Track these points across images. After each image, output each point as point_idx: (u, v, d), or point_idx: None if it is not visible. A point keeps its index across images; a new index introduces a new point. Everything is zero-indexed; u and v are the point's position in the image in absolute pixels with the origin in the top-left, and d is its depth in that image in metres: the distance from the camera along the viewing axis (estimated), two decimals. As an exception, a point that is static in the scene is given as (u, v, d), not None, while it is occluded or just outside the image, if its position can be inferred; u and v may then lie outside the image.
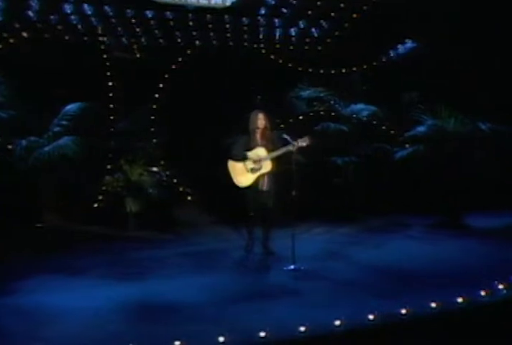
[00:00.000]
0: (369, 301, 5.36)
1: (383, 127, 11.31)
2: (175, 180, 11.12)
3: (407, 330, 4.88)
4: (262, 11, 10.43)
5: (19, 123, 8.73)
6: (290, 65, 11.84)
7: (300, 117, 11.36)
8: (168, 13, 10.28)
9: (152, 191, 9.87)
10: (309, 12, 10.54)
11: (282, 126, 10.46)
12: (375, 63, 11.83)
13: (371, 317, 4.81)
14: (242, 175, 7.51)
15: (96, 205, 10.10)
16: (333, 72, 11.83)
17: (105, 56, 10.82)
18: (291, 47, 11.82)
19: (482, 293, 5.39)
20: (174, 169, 11.07)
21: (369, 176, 10.55)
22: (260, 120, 7.52)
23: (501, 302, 5.37)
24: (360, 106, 10.77)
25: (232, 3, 10.04)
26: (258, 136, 7.56)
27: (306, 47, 11.79)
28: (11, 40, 10.10)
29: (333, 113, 11.04)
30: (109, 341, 4.51)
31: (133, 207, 9.71)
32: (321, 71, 11.81)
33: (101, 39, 10.80)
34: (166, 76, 11.46)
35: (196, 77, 11.08)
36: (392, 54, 11.88)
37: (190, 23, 10.62)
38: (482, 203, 9.54)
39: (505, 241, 8.20)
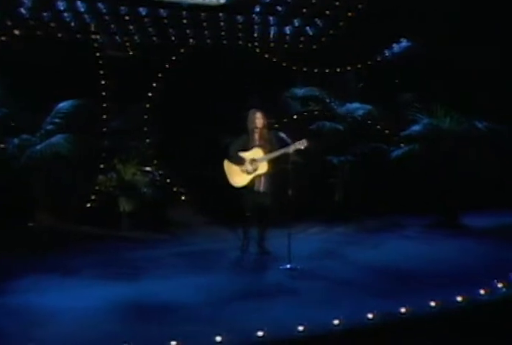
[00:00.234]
0: (367, 300, 5.31)
1: (379, 126, 11.25)
2: (168, 180, 11.04)
3: (406, 329, 4.83)
4: (257, 9, 10.33)
5: (11, 121, 8.64)
6: (284, 64, 11.78)
7: (295, 117, 11.30)
8: (162, 10, 10.17)
9: (145, 191, 9.78)
10: (304, 10, 10.45)
11: (276, 125, 10.38)
12: (369, 62, 11.76)
13: (370, 316, 4.76)
14: (238, 175, 7.45)
15: (89, 204, 10.00)
16: (327, 71, 11.76)
17: (98, 54, 10.70)
18: (286, 46, 11.73)
19: (482, 292, 5.35)
20: (168, 168, 10.98)
21: (365, 175, 10.49)
22: (258, 119, 7.46)
23: (500, 301, 5.35)
24: (355, 104, 10.75)
25: (227, 0, 9.97)
26: (256, 135, 7.50)
27: (301, 46, 11.69)
28: (3, 38, 9.98)
29: (328, 113, 11.00)
30: (104, 341, 4.42)
31: (126, 207, 9.62)
32: (316, 70, 11.73)
33: (94, 36, 10.68)
34: (160, 75, 11.38)
35: (190, 75, 11.00)
36: (387, 53, 11.81)
37: (184, 21, 10.50)
38: (478, 203, 9.53)
39: (501, 240, 8.19)
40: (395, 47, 11.67)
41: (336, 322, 4.61)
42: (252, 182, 7.39)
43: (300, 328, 4.50)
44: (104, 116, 10.60)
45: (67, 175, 8.95)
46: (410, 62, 11.06)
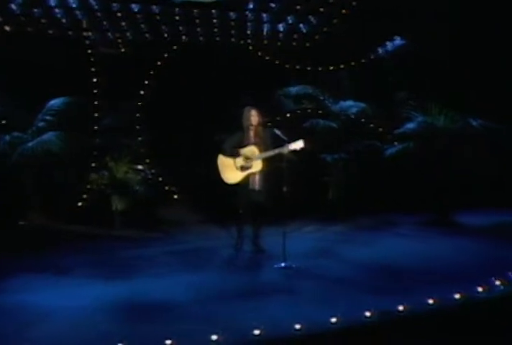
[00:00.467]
0: (364, 299, 5.26)
1: (373, 124, 11.21)
2: (160, 178, 10.97)
3: (403, 327, 4.80)
4: (250, 6, 10.25)
5: (1, 119, 8.53)
6: (277, 62, 11.73)
7: (288, 115, 11.25)
8: (154, 7, 10.07)
9: (138, 189, 9.71)
10: (298, 7, 10.38)
11: (269, 124, 10.33)
12: (363, 60, 11.72)
13: (368, 314, 4.72)
14: (231, 171, 7.40)
15: (81, 203, 9.91)
16: (320, 69, 11.71)
17: (89, 51, 10.60)
18: (279, 43, 11.67)
19: (479, 289, 5.33)
20: (160, 166, 10.92)
21: (359, 173, 10.45)
22: (254, 117, 7.41)
23: (497, 299, 5.31)
24: (349, 102, 10.74)
25: (220, -3, 9.92)
26: (251, 133, 7.46)
27: (294, 44, 11.64)
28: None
29: (321, 111, 10.97)
30: (98, 341, 4.36)
31: (119, 205, 9.55)
32: (309, 68, 11.69)
33: (85, 33, 10.57)
34: (152, 72, 11.30)
35: (183, 73, 10.93)
36: (381, 51, 11.78)
37: (177, 18, 10.41)
38: (472, 201, 9.51)
39: (496, 238, 8.18)
40: (389, 45, 11.61)
41: (333, 320, 4.57)
42: (246, 179, 7.35)
43: (297, 326, 4.46)
44: (96, 114, 10.50)
45: (59, 172, 8.88)
46: (404, 60, 11.04)
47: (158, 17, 10.38)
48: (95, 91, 10.59)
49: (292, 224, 8.30)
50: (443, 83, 9.98)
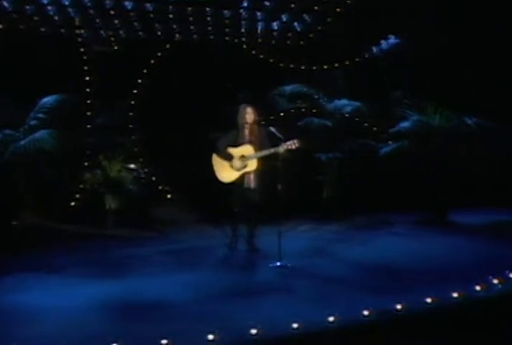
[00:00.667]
0: (361, 298, 5.23)
1: (367, 123, 11.18)
2: (154, 177, 10.90)
3: (401, 326, 4.77)
4: (244, 4, 10.18)
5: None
6: (271, 61, 11.68)
7: (282, 114, 11.21)
8: (148, 5, 9.97)
9: (131, 188, 9.64)
10: (292, 5, 10.32)
11: (263, 122, 10.28)
12: (358, 59, 11.68)
13: (366, 313, 4.67)
14: (226, 170, 7.37)
15: (74, 202, 9.82)
16: (315, 67, 11.67)
17: (82, 49, 10.51)
18: (273, 42, 11.62)
19: (477, 288, 5.30)
20: (154, 165, 10.85)
21: (354, 172, 10.40)
22: (249, 114, 7.36)
23: (495, 298, 5.30)
24: (344, 101, 10.66)
25: (213, -6, 9.84)
26: (246, 131, 7.40)
27: (288, 42, 11.59)
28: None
29: (316, 109, 10.92)
30: (92, 341, 4.30)
31: (112, 204, 9.48)
32: (304, 66, 11.64)
33: (78, 31, 10.48)
34: (145, 70, 11.23)
35: (176, 71, 10.87)
36: (375, 50, 11.74)
37: (171, 15, 10.33)
38: (467, 200, 9.49)
39: (491, 237, 8.18)
40: (384, 44, 11.58)
41: (331, 319, 4.52)
42: (242, 178, 7.30)
43: (295, 325, 4.41)
44: (89, 112, 10.41)
45: (52, 171, 8.77)
46: (399, 59, 11.00)
47: (151, 15, 10.27)
48: (87, 90, 10.49)
49: (287, 223, 8.25)
50: (438, 81, 9.95)
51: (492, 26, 9.90)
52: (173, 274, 6.40)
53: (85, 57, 10.60)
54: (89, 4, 9.85)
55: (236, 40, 11.47)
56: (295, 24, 11.13)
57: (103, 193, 9.52)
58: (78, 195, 9.85)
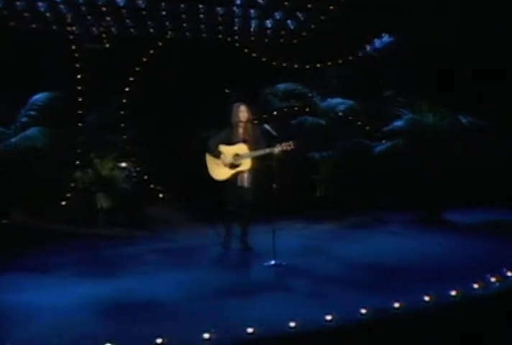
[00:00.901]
0: (357, 296, 5.18)
1: (361, 121, 11.14)
2: (146, 177, 10.83)
3: (398, 324, 4.72)
4: (238, 1, 10.11)
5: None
6: (264, 59, 11.62)
7: (276, 112, 11.15)
8: (140, 2, 9.88)
9: (123, 186, 9.55)
10: (285, 3, 10.26)
11: (256, 122, 10.23)
12: (351, 57, 11.64)
13: (363, 311, 4.63)
14: (220, 169, 7.29)
15: (65, 200, 9.71)
16: (308, 66, 11.62)
17: (73, 46, 10.40)
18: (266, 40, 11.56)
19: (475, 286, 5.27)
20: (146, 164, 10.77)
21: (348, 171, 10.36)
22: (243, 113, 7.29)
23: (493, 296, 5.26)
24: (337, 100, 10.66)
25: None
26: (240, 130, 7.33)
27: (282, 40, 11.54)
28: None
29: (309, 108, 10.88)
30: (86, 340, 4.22)
31: (104, 203, 9.39)
32: (297, 65, 11.60)
33: (69, 28, 10.37)
34: (137, 68, 11.15)
35: (168, 69, 10.80)
36: (369, 48, 11.71)
37: (163, 13, 10.24)
38: (462, 198, 9.46)
39: (486, 235, 8.14)
40: (377, 42, 11.55)
41: (328, 318, 4.47)
42: (235, 177, 7.24)
43: (292, 324, 4.35)
44: (80, 110, 10.30)
45: (43, 169, 8.69)
46: (392, 57, 10.97)
47: (144, 12, 10.19)
48: (79, 87, 10.37)
49: (281, 222, 8.18)
50: (432, 79, 9.93)
51: (488, 23, 9.87)
52: (166, 273, 6.34)
53: (76, 55, 10.46)
54: (81, 1, 9.76)
55: (229, 38, 11.42)
56: (289, 22, 11.08)
57: (95, 192, 9.43)
58: (69, 194, 9.74)
